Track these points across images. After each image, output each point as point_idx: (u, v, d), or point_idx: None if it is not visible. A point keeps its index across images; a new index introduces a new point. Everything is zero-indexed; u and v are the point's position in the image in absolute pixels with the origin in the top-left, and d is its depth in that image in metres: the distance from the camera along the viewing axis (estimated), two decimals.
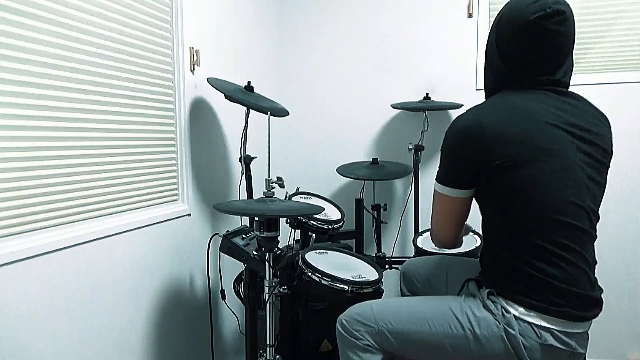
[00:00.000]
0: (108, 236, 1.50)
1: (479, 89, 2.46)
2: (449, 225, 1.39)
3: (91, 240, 1.43)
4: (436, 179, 1.37)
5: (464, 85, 2.48)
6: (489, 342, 1.21)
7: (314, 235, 2.17)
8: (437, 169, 1.37)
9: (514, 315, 1.19)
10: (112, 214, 1.54)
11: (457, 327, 1.25)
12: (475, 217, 2.42)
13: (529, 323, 1.18)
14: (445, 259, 1.70)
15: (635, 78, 2.27)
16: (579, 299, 1.18)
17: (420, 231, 2.29)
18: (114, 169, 1.54)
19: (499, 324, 1.20)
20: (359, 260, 1.86)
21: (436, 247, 1.95)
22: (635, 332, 2.35)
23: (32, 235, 1.26)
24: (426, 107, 2.37)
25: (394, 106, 2.41)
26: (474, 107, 1.29)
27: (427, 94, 2.43)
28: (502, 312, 1.21)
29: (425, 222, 2.40)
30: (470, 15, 2.42)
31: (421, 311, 1.33)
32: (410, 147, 2.37)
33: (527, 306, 1.18)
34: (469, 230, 1.96)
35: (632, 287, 2.34)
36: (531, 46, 1.23)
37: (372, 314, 1.36)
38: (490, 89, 1.36)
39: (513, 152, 1.18)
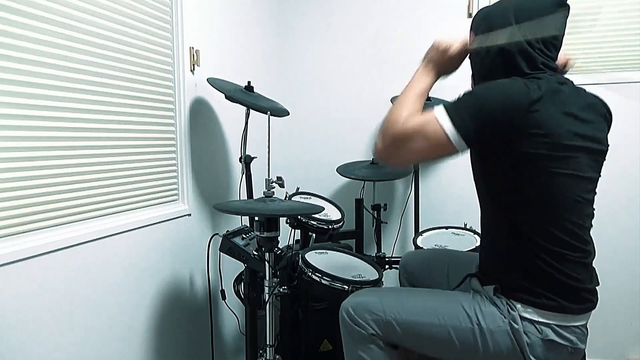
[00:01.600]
0: (108, 236, 1.50)
1: None
2: (412, 155, 1.23)
3: (91, 240, 1.43)
4: (448, 111, 1.16)
5: (463, 85, 2.47)
6: (494, 337, 1.22)
7: (314, 235, 2.17)
8: (455, 101, 1.18)
9: (518, 312, 1.20)
10: (112, 214, 1.54)
11: (465, 321, 1.25)
12: (473, 213, 2.39)
13: (528, 320, 1.18)
14: (445, 252, 1.70)
15: (635, 78, 2.27)
16: (576, 293, 1.19)
17: (420, 231, 2.29)
18: (114, 169, 1.54)
19: (505, 318, 1.21)
20: (359, 260, 1.86)
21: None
22: (635, 332, 2.35)
23: (32, 235, 1.26)
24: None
25: (392, 102, 2.41)
26: (524, 79, 1.18)
27: None
28: (508, 308, 1.21)
29: (425, 222, 2.40)
30: (470, 15, 2.42)
31: (430, 303, 1.32)
32: None
33: (525, 303, 1.19)
34: None
35: (632, 287, 2.34)
36: (560, 27, 1.24)
37: (380, 303, 1.34)
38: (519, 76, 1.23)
39: (557, 136, 1.13)
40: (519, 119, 1.12)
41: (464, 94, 1.19)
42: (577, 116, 1.18)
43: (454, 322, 1.27)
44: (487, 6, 1.36)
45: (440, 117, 1.16)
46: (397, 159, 1.26)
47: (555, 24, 1.24)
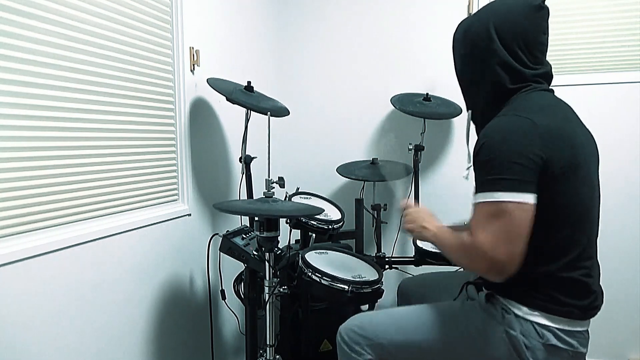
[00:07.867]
0: (108, 236, 1.50)
1: None
2: (520, 242, 1.09)
3: (91, 240, 1.43)
4: (494, 189, 1.10)
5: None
6: (490, 344, 1.21)
7: (314, 235, 2.17)
8: (485, 180, 1.13)
9: (515, 314, 1.18)
10: (112, 214, 1.54)
11: (458, 331, 1.25)
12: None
13: (531, 322, 1.17)
14: (439, 274, 1.72)
15: (635, 78, 2.27)
16: (586, 298, 1.18)
17: None
18: (114, 169, 1.54)
19: (499, 324, 1.20)
20: (359, 260, 1.86)
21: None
22: (635, 332, 2.35)
23: (32, 235, 1.26)
24: (424, 113, 2.36)
25: (392, 102, 2.41)
26: (508, 112, 1.19)
27: (427, 94, 2.42)
28: (502, 313, 1.20)
29: None
30: (470, 15, 2.42)
31: (421, 319, 1.32)
32: (410, 147, 2.37)
33: (530, 305, 1.18)
34: None
35: (632, 288, 2.33)
36: (543, 29, 1.25)
37: (371, 327, 1.35)
38: (503, 92, 1.24)
39: (569, 156, 1.14)
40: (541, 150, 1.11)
41: (482, 167, 1.14)
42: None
43: (446, 335, 1.27)
44: (463, 21, 1.34)
45: (501, 197, 1.09)
46: (515, 260, 1.11)
47: (538, 28, 1.24)
